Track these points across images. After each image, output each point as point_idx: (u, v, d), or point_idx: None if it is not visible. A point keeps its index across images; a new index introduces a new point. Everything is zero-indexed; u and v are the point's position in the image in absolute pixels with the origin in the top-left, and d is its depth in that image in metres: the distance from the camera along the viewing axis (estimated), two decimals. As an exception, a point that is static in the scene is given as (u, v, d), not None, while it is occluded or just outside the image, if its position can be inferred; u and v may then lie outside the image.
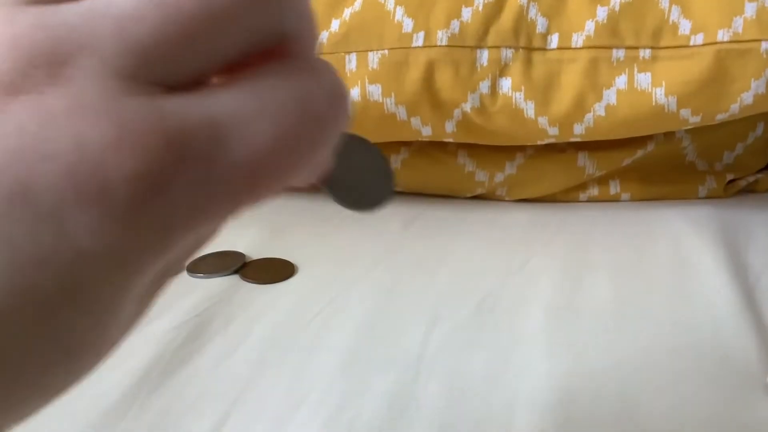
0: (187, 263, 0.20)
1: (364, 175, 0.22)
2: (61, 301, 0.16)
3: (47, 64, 0.16)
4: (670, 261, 0.53)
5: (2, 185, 0.15)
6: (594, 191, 0.64)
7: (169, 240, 0.17)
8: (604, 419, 0.37)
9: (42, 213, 0.16)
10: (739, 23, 0.52)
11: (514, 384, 0.40)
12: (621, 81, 0.55)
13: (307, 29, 0.19)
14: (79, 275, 0.16)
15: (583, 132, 0.57)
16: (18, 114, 0.16)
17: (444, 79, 0.56)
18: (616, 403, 0.38)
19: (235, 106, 0.17)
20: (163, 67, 0.17)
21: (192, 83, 0.17)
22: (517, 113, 0.56)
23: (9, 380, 0.16)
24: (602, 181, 0.64)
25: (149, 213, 0.16)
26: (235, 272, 0.52)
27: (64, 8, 0.16)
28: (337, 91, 0.18)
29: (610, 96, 0.55)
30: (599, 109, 0.55)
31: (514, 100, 0.56)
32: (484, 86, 0.56)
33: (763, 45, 0.51)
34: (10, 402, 0.17)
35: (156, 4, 0.16)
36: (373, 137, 0.60)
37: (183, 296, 0.48)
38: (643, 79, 0.54)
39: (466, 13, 0.56)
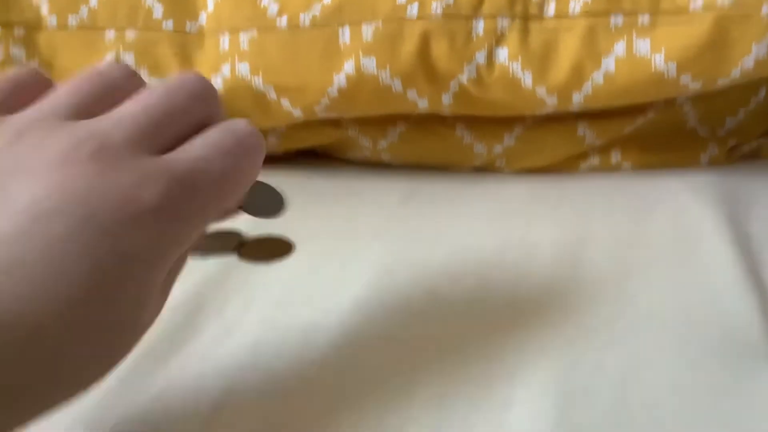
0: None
1: (264, 199, 0.38)
2: (113, 288, 0.26)
3: (96, 149, 0.27)
4: (672, 231, 0.53)
5: (77, 213, 0.25)
6: (594, 161, 0.63)
7: (183, 238, 0.29)
8: (603, 393, 0.37)
9: (104, 230, 0.26)
10: (739, -14, 0.51)
11: (512, 360, 0.39)
12: (620, 48, 0.53)
13: (222, 113, 0.33)
14: (125, 271, 0.26)
15: (582, 101, 0.56)
16: (87, 169, 0.27)
17: (439, 50, 0.55)
18: (616, 376, 0.38)
19: (202, 151, 0.30)
20: (156, 139, 0.29)
21: (174, 144, 0.30)
22: (514, 83, 0.55)
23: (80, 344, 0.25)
24: (603, 150, 0.63)
25: (168, 222, 0.27)
26: (235, 250, 0.52)
27: (99, 119, 0.29)
28: (251, 132, 0.31)
29: (609, 63, 0.54)
30: (598, 77, 0.54)
31: (511, 70, 0.55)
32: (480, 56, 0.55)
33: (765, 8, 0.50)
34: (74, 367, 0.25)
35: (143, 111, 0.30)
36: (369, 110, 0.60)
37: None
38: (642, 46, 0.53)
39: (461, -18, 0.55)
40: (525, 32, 0.55)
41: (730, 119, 0.64)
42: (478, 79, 0.56)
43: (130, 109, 0.29)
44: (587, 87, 0.55)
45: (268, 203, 0.38)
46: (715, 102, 0.62)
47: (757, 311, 0.42)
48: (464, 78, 0.56)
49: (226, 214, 0.36)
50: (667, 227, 0.53)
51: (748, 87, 0.61)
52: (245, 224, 0.55)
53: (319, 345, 0.41)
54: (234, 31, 0.59)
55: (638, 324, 0.42)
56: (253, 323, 0.44)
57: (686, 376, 0.38)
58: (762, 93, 0.63)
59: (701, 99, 0.62)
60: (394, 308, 0.45)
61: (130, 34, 0.61)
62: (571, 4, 0.54)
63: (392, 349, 0.41)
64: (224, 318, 0.44)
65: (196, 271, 0.49)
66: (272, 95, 0.58)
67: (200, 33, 0.61)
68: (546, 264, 0.49)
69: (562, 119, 0.62)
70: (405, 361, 0.40)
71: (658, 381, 0.37)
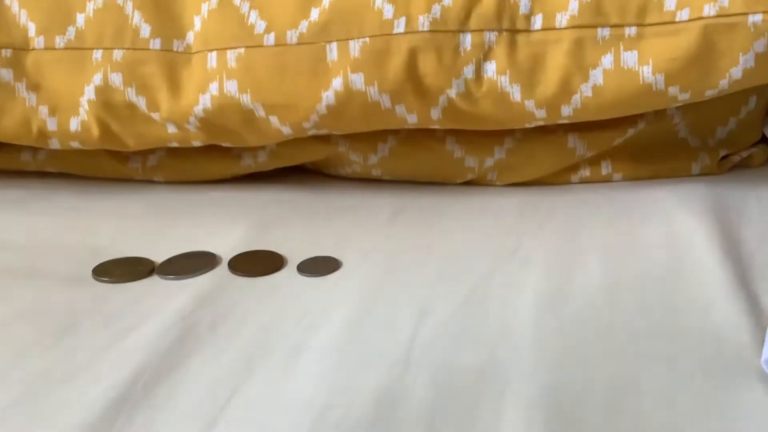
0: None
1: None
2: None
3: None
4: (663, 242, 0.52)
5: None
6: (585, 172, 0.63)
7: None
8: (595, 407, 0.36)
9: None
10: (725, -3, 0.51)
11: (503, 375, 0.39)
12: (607, 60, 0.53)
13: None
14: None
15: (571, 114, 0.56)
16: None
17: (427, 65, 0.55)
18: (608, 390, 0.38)
19: None
20: None
21: None
22: (503, 97, 0.55)
23: None
24: (593, 161, 0.63)
25: None
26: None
27: None
28: None
29: (597, 76, 0.54)
30: (586, 90, 0.54)
31: (499, 84, 0.55)
32: (469, 71, 0.55)
33: (750, 18, 0.50)
34: None
35: None
36: (358, 127, 0.60)
37: (170, 297, 0.48)
38: (630, 58, 0.53)
39: (447, -3, 0.55)
40: (512, 46, 0.55)
41: (720, 129, 0.63)
42: (467, 94, 0.56)
43: None
44: (576, 100, 0.55)
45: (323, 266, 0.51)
46: (705, 112, 0.62)
47: (748, 323, 0.42)
48: (453, 93, 0.56)
49: None
50: (659, 238, 0.53)
51: (738, 96, 0.61)
52: (237, 242, 0.55)
53: (309, 362, 0.41)
54: (221, 49, 0.59)
55: (629, 339, 0.42)
56: (245, 342, 0.43)
57: (676, 391, 0.37)
58: (752, 102, 0.63)
59: (691, 109, 0.62)
60: (384, 326, 0.44)
61: (118, 54, 0.60)
62: (558, 17, 0.54)
63: (383, 368, 0.40)
64: (216, 338, 0.44)
65: (190, 289, 0.49)
66: (261, 113, 0.58)
67: (188, 51, 0.60)
68: (536, 278, 0.49)
69: (552, 131, 0.61)
70: (395, 378, 0.39)
71: (648, 397, 0.37)
